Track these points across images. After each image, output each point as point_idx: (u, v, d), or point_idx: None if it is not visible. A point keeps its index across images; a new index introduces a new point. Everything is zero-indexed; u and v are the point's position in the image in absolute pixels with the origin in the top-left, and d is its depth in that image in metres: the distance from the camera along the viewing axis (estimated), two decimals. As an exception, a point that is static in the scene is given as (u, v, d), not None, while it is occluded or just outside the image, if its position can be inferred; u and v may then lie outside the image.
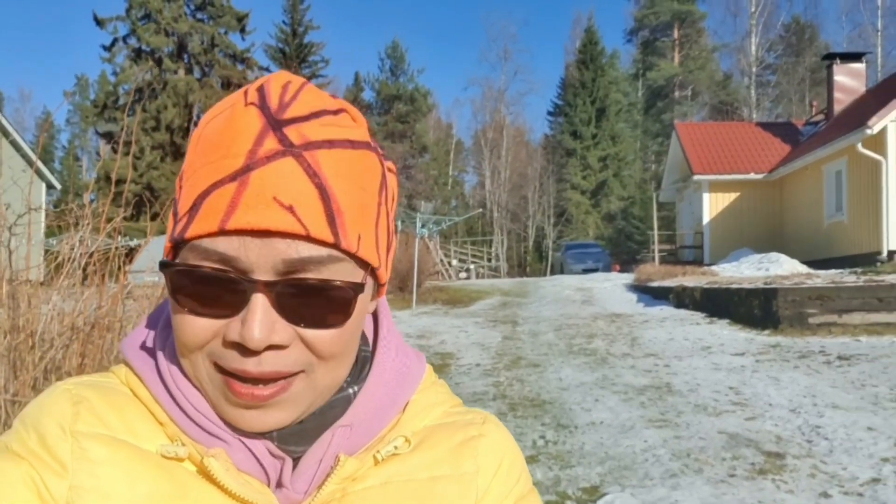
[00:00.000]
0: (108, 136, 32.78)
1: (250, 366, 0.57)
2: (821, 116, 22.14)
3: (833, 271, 13.36)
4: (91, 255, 2.78)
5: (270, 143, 0.57)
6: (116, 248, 2.96)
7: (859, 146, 15.36)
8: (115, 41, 34.21)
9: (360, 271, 0.61)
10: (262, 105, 0.59)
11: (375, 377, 0.67)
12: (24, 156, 16.93)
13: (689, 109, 49.60)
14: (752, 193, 21.25)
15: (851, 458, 4.38)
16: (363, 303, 0.63)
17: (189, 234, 0.58)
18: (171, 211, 0.64)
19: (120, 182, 2.94)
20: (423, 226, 17.86)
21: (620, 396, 6.27)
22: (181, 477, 0.60)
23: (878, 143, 15.18)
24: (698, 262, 21.07)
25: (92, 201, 3.00)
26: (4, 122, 17.32)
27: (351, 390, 0.66)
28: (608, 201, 47.57)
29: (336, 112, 0.61)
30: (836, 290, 9.16)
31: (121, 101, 33.68)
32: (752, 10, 42.61)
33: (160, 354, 0.65)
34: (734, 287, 10.95)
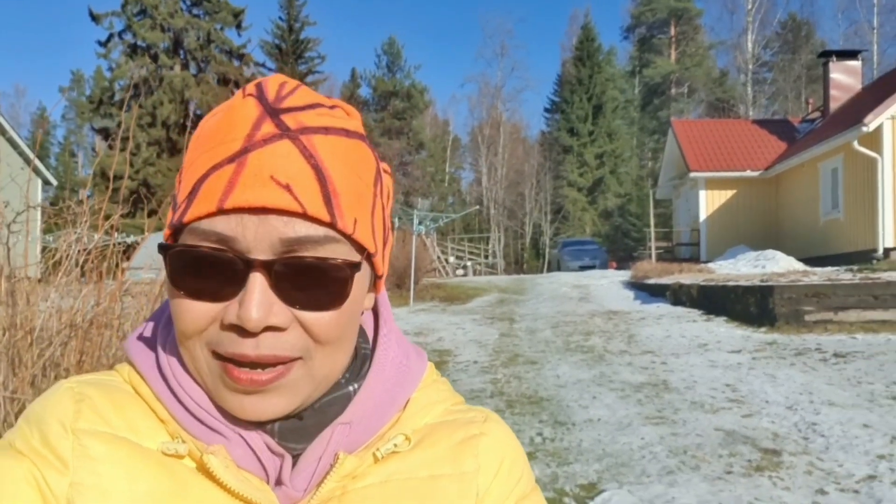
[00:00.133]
0: (104, 132, 32.71)
1: (248, 349, 0.57)
2: (817, 114, 22.17)
3: (829, 269, 13.39)
4: (89, 253, 2.78)
5: (268, 128, 0.58)
6: (114, 245, 2.96)
7: (855, 144, 15.39)
8: (110, 37, 34.10)
9: (356, 255, 0.61)
10: (260, 96, 0.61)
11: (375, 374, 0.67)
12: (22, 153, 16.88)
13: (685, 106, 49.70)
14: (748, 191, 21.29)
15: (847, 454, 4.40)
16: (360, 286, 0.63)
17: (188, 217, 0.59)
18: (170, 207, 0.64)
19: (117, 178, 2.94)
20: (420, 223, 17.87)
21: (617, 393, 6.28)
22: (181, 474, 0.60)
23: (874, 140, 15.21)
24: (695, 259, 21.09)
25: (89, 197, 2.99)
26: (1, 120, 17.26)
27: (351, 387, 0.66)
28: (605, 198, 47.60)
29: (331, 107, 0.63)
30: (833, 287, 9.19)
31: (116, 97, 33.58)
32: (749, 7, 42.66)
33: (161, 350, 0.65)
34: (731, 284, 10.97)
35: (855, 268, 12.97)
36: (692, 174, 21.49)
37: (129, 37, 33.90)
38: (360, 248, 0.62)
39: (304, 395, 0.61)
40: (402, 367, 0.70)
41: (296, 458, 0.63)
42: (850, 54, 21.01)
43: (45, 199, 17.49)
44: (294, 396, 0.60)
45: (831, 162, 17.41)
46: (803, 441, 4.73)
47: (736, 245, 19.98)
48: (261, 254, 0.57)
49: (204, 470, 0.60)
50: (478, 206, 46.94)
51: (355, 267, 0.60)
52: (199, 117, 28.73)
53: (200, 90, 33.03)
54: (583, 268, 25.82)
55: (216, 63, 34.36)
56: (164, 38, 33.60)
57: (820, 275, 11.44)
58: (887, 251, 14.98)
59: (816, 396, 5.81)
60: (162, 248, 0.60)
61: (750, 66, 43.18)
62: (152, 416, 0.63)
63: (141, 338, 0.68)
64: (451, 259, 30.52)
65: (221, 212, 0.57)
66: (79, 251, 2.75)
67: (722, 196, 21.55)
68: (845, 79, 20.30)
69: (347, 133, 0.62)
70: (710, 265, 16.55)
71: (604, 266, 27.09)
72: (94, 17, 33.47)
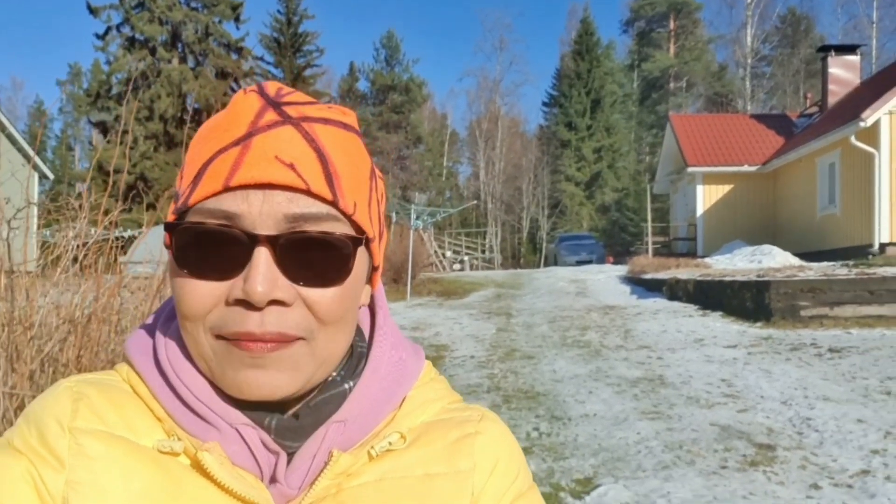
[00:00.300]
0: (102, 126, 32.61)
1: (253, 325, 0.58)
2: (815, 108, 22.17)
3: (825, 264, 13.41)
4: (87, 248, 2.79)
5: (271, 116, 0.61)
6: (113, 239, 2.97)
7: (853, 139, 15.40)
8: (108, 30, 33.94)
9: (357, 236, 0.63)
10: (262, 93, 0.64)
11: (371, 372, 0.68)
12: (20, 149, 16.81)
13: (683, 101, 49.67)
14: (745, 185, 21.29)
15: (842, 449, 4.43)
16: (361, 265, 0.64)
17: (193, 198, 0.60)
18: (171, 201, 0.66)
19: (115, 172, 2.94)
20: (417, 217, 17.86)
21: (614, 388, 6.30)
22: (176, 471, 0.61)
23: (872, 135, 15.21)
24: (692, 254, 21.12)
25: (88, 190, 3.00)
26: (1, 117, 17.20)
27: (346, 385, 0.66)
28: (602, 193, 47.57)
29: (328, 106, 0.66)
30: (828, 282, 9.21)
31: (114, 91, 33.46)
32: (748, 1, 42.56)
33: (160, 343, 0.66)
34: (727, 279, 10.99)
35: (851, 263, 13.00)
36: (689, 169, 21.49)
37: (126, 30, 33.74)
38: (360, 231, 0.63)
39: (306, 375, 0.62)
40: (399, 365, 0.70)
41: (291, 456, 0.63)
42: (849, 49, 20.98)
43: (43, 193, 17.45)
44: (296, 373, 0.61)
45: (829, 157, 17.42)
46: (798, 436, 4.76)
47: (733, 240, 19.99)
48: (266, 229, 0.59)
49: (199, 467, 0.61)
50: (475, 201, 46.92)
51: (356, 241, 0.62)
52: (196, 111, 28.68)
53: (198, 84, 32.91)
54: (580, 262, 25.81)
55: (214, 56, 34.23)
56: (162, 32, 33.45)
57: (816, 270, 11.47)
58: (883, 246, 15.02)
59: (811, 391, 5.84)
60: (168, 227, 0.62)
61: (748, 61, 43.10)
62: (149, 415, 0.64)
63: (140, 336, 0.69)
64: (449, 254, 30.51)
65: (227, 189, 0.59)
66: (77, 246, 2.76)
67: (719, 191, 21.56)
68: (844, 73, 20.29)
69: (345, 126, 0.65)
70: (707, 260, 16.57)
71: (601, 261, 27.10)
72: (92, 10, 33.32)
